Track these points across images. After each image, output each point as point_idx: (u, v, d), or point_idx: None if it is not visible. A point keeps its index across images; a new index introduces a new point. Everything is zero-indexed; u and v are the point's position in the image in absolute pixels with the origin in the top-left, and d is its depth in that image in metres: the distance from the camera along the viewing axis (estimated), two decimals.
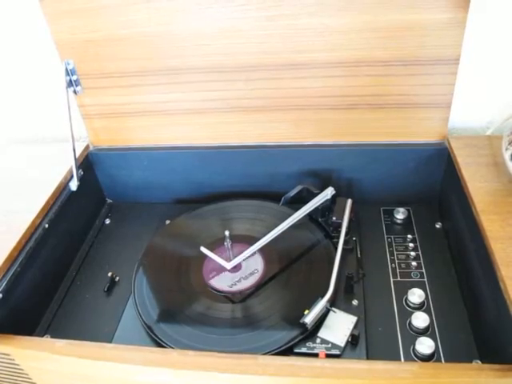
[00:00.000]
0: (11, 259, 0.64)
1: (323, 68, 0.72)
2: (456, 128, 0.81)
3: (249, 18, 0.69)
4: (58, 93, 0.78)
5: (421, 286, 0.67)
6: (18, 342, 0.57)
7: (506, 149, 0.64)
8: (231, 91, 0.77)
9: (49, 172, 0.79)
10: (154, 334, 0.63)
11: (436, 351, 0.58)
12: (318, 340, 0.60)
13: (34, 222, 0.69)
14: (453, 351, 0.59)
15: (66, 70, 0.76)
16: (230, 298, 0.67)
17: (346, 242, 0.71)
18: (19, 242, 0.66)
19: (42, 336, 0.68)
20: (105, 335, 0.65)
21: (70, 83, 0.78)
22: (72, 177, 0.79)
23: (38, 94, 0.90)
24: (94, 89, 0.79)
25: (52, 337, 0.67)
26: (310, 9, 0.67)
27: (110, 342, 0.64)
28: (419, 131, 0.77)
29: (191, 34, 0.72)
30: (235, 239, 0.73)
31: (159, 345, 0.62)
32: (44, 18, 0.73)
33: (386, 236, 0.77)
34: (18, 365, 0.59)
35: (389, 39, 0.68)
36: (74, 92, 0.79)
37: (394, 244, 0.75)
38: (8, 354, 0.58)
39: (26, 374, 0.60)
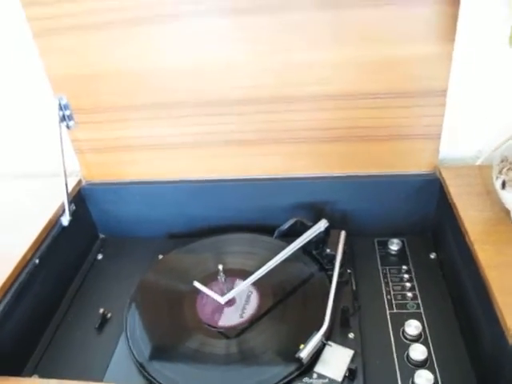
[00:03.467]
0: (0, 295, 0.63)
1: (314, 101, 0.73)
2: (446, 158, 0.82)
3: (240, 53, 0.70)
4: (51, 127, 0.78)
5: (417, 317, 0.66)
6: (4, 383, 0.55)
7: (497, 178, 0.65)
8: (224, 125, 0.77)
9: (40, 207, 0.78)
10: (147, 372, 0.61)
11: None
12: (315, 375, 0.59)
13: (24, 257, 0.68)
14: None
15: (60, 104, 0.77)
16: (223, 333, 0.66)
17: (340, 275, 0.70)
18: (9, 278, 0.64)
19: (31, 375, 0.65)
20: (96, 373, 0.63)
21: (62, 118, 0.78)
22: (64, 211, 0.78)
23: (30, 129, 0.90)
24: (86, 123, 0.80)
25: (40, 376, 0.65)
26: (301, 44, 0.69)
27: (101, 380, 0.62)
28: (410, 162, 0.78)
29: (183, 69, 0.73)
30: (229, 273, 0.72)
31: (152, 383, 0.60)
32: (38, 53, 0.74)
33: (380, 267, 0.76)
34: None
35: (377, 72, 0.70)
36: (67, 127, 0.79)
37: (388, 275, 0.74)
38: None
39: None
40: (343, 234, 0.75)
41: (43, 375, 0.65)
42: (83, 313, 0.75)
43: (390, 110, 0.73)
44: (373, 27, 0.67)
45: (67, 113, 0.78)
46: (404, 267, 0.75)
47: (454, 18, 0.65)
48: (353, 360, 0.60)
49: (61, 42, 0.72)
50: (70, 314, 0.75)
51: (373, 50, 0.68)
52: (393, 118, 0.74)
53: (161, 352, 0.64)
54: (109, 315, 0.73)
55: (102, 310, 0.72)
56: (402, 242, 0.80)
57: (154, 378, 0.60)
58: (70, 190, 0.80)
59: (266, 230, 0.80)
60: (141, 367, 0.62)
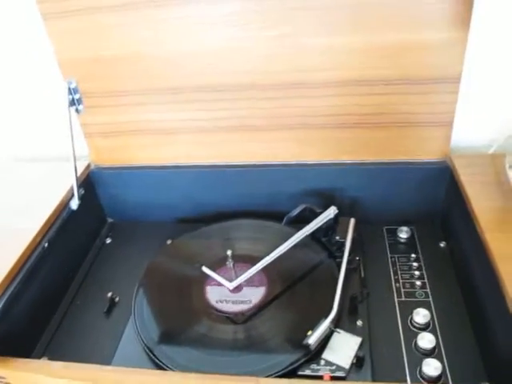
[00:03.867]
0: (10, 278, 0.63)
1: (325, 87, 0.72)
2: (458, 147, 0.81)
3: (251, 38, 0.69)
4: (60, 111, 0.78)
5: (426, 305, 0.66)
6: (14, 365, 0.56)
7: (510, 166, 0.64)
8: (234, 110, 0.77)
9: (50, 190, 0.78)
10: (155, 356, 0.61)
11: (443, 373, 0.57)
12: (322, 362, 0.59)
13: (33, 240, 0.68)
14: (461, 373, 0.58)
15: (69, 88, 0.76)
16: (232, 318, 0.66)
17: (349, 262, 0.70)
18: (18, 261, 0.65)
19: (40, 358, 0.66)
20: (104, 357, 0.64)
21: (72, 102, 0.78)
22: (73, 195, 0.78)
23: (40, 113, 0.90)
24: (96, 107, 0.79)
25: (50, 359, 0.65)
26: (313, 28, 0.68)
27: (110, 364, 0.62)
28: (421, 149, 0.77)
29: (194, 53, 0.72)
30: (237, 259, 0.72)
31: (159, 367, 0.60)
32: (48, 36, 0.73)
33: (389, 255, 0.76)
34: None
35: (390, 58, 0.69)
36: (76, 111, 0.79)
37: (397, 263, 0.74)
38: (4, 378, 0.56)
39: None
40: (352, 221, 0.75)
41: (52, 358, 0.66)
42: (92, 296, 0.75)
43: (402, 96, 0.72)
44: (386, 13, 0.65)
45: (76, 97, 0.78)
46: (413, 255, 0.75)
47: (469, 3, 0.63)
48: (360, 347, 0.60)
49: (70, 25, 0.72)
50: (79, 297, 0.76)
51: (386, 36, 0.67)
52: (405, 105, 0.73)
53: (168, 336, 0.64)
54: (117, 299, 0.73)
55: (110, 294, 0.73)
56: (411, 230, 0.79)
57: (161, 362, 0.60)
58: (78, 174, 0.80)
59: (275, 216, 0.80)
60: (149, 351, 0.62)
